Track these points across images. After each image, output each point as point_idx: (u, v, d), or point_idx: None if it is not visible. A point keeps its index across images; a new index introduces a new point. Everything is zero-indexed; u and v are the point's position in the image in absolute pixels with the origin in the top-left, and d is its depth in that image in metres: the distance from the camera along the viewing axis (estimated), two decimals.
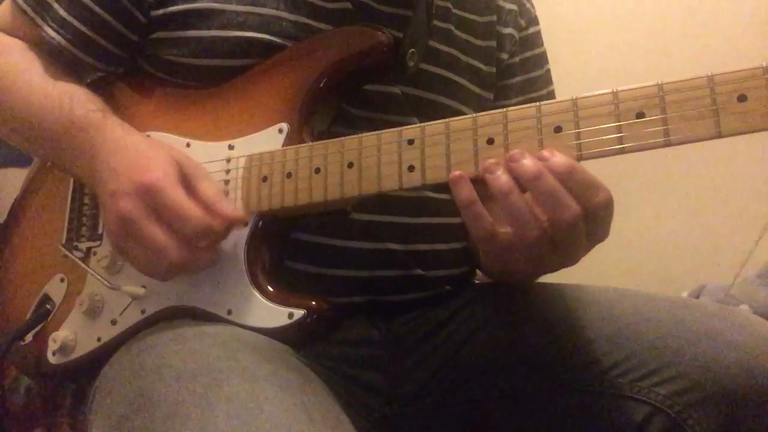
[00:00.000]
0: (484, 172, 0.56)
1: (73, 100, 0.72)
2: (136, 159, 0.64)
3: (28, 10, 0.75)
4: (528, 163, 0.55)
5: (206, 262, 0.65)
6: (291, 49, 0.72)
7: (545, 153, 0.55)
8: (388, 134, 0.62)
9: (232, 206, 0.66)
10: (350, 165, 0.63)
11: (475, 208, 0.57)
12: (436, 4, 0.80)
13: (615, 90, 0.54)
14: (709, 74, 0.52)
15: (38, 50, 0.76)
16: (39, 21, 0.75)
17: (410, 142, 0.61)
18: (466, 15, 0.85)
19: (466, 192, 0.57)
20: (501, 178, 0.56)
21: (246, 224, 0.67)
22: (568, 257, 0.60)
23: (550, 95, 0.93)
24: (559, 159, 0.55)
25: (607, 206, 0.57)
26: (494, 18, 0.87)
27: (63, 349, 0.72)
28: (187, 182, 0.64)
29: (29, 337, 0.76)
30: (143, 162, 0.64)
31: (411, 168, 0.60)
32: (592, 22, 1.98)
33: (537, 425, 0.73)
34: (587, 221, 0.56)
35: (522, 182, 0.55)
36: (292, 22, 0.73)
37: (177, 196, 0.62)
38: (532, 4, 0.95)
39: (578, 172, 0.55)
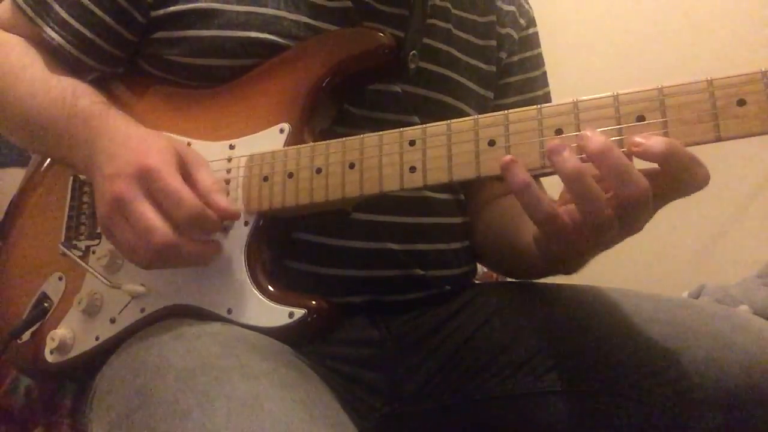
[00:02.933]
0: (549, 155, 0.54)
1: (76, 93, 0.72)
2: (137, 145, 0.64)
3: (28, 10, 0.75)
4: (596, 136, 0.53)
5: (193, 256, 0.63)
6: (292, 49, 0.72)
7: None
8: (389, 135, 0.62)
9: (228, 200, 0.65)
10: (352, 165, 0.63)
11: (532, 191, 0.54)
12: (434, 4, 0.81)
13: (616, 93, 0.55)
14: (709, 78, 0.52)
15: (39, 47, 0.76)
16: (39, 21, 0.75)
17: (412, 143, 0.61)
18: (466, 15, 0.85)
19: (521, 176, 0.54)
20: (570, 159, 0.53)
21: (246, 223, 0.67)
22: (632, 231, 0.57)
23: (547, 96, 0.93)
24: (594, 137, 0.53)
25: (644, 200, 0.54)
26: (494, 18, 0.88)
27: (61, 347, 0.72)
28: (185, 171, 0.64)
29: (26, 336, 0.76)
30: (143, 147, 0.64)
31: (412, 169, 0.60)
32: (592, 25, 1.98)
33: (537, 425, 0.73)
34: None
35: (589, 157, 0.53)
36: (292, 21, 0.73)
37: (173, 180, 0.61)
38: (530, 6, 0.95)
39: (614, 154, 0.52)
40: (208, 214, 0.62)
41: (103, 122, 0.69)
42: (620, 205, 0.53)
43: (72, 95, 0.72)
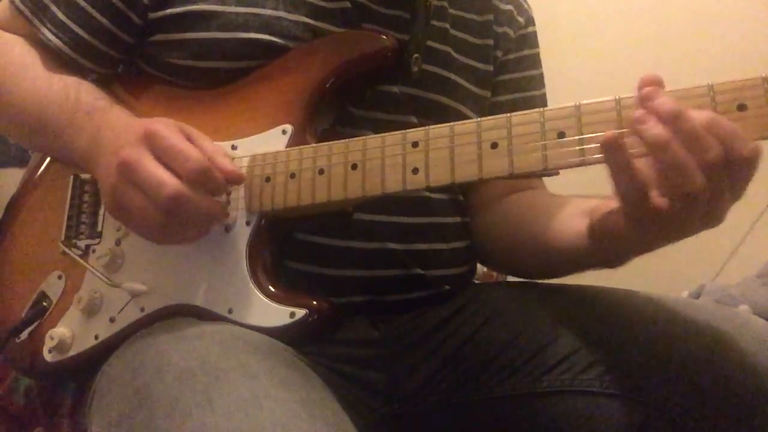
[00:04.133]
0: (635, 123, 0.52)
1: (79, 89, 0.73)
2: (140, 120, 0.66)
3: (26, 11, 0.75)
4: (666, 100, 0.51)
5: (204, 209, 0.62)
6: (295, 51, 0.72)
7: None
8: (392, 136, 0.62)
9: (232, 162, 0.65)
10: (354, 166, 0.63)
11: (630, 169, 0.52)
12: (432, 4, 0.80)
13: (618, 97, 0.55)
14: (710, 83, 0.52)
15: (38, 47, 0.77)
16: (36, 23, 0.75)
17: (415, 144, 0.61)
18: (463, 14, 0.85)
19: (623, 154, 0.52)
20: (656, 127, 0.51)
21: (248, 223, 0.67)
22: (712, 217, 0.55)
23: (543, 98, 0.93)
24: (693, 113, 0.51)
25: (753, 160, 0.51)
26: (491, 17, 0.87)
27: (59, 346, 0.72)
28: (189, 138, 0.64)
29: (25, 335, 0.76)
30: (145, 119, 0.65)
31: (415, 170, 0.60)
32: (593, 28, 1.98)
33: (537, 425, 0.73)
34: (731, 171, 0.51)
35: (666, 123, 0.51)
36: (292, 21, 0.73)
37: (178, 139, 0.62)
38: (528, 5, 0.95)
39: (720, 118, 0.51)
40: (215, 170, 0.62)
41: (106, 115, 0.69)
42: (705, 171, 0.51)
43: (75, 91, 0.72)
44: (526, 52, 0.91)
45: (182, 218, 0.62)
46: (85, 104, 0.71)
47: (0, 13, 0.79)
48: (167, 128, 0.63)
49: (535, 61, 0.93)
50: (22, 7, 0.75)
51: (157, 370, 0.57)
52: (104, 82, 0.79)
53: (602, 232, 0.62)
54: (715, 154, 0.51)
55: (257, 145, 0.69)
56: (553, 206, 0.77)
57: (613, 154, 0.53)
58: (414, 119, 0.77)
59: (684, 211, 0.53)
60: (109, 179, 0.63)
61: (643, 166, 0.53)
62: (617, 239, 0.61)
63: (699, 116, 0.51)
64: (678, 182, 0.52)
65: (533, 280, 0.83)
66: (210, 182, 0.62)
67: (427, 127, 0.61)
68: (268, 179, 0.67)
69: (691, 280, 1.64)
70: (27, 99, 0.74)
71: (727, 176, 0.52)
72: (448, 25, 0.83)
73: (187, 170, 0.61)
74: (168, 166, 0.61)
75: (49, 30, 0.75)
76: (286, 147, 0.68)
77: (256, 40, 0.72)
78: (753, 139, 0.51)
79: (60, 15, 0.74)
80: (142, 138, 0.62)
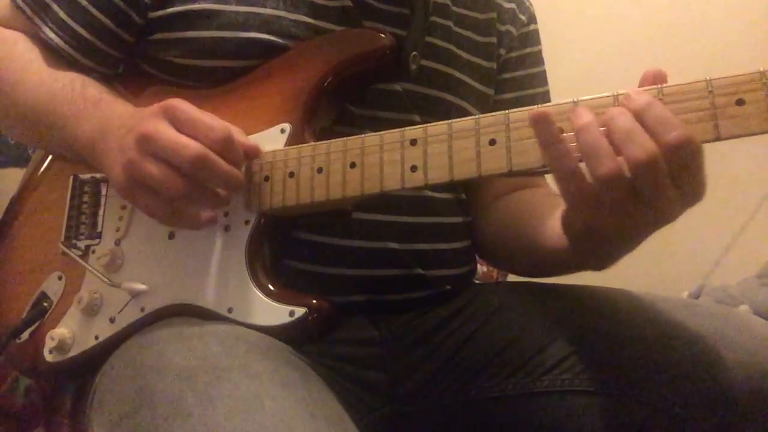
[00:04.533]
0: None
1: (85, 83, 0.73)
2: (136, 117, 0.65)
3: (27, 9, 0.75)
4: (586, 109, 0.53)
5: (226, 177, 0.62)
6: (293, 50, 0.72)
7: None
8: (390, 134, 0.62)
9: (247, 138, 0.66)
10: (353, 165, 0.63)
11: (560, 146, 0.54)
12: (434, 1, 0.81)
13: (615, 93, 0.55)
14: (708, 78, 0.52)
15: (40, 44, 0.77)
16: (37, 21, 0.75)
17: (413, 142, 0.61)
18: (466, 12, 0.85)
19: (551, 129, 0.54)
20: (580, 111, 0.54)
21: (247, 222, 0.67)
22: (658, 212, 0.54)
23: (545, 95, 0.93)
24: (635, 95, 0.52)
25: (686, 147, 0.51)
26: (494, 15, 0.87)
27: (60, 347, 0.72)
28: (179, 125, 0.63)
29: (26, 336, 0.76)
30: (138, 116, 0.65)
31: (414, 168, 0.60)
32: (592, 25, 1.98)
33: (537, 425, 0.73)
34: (669, 165, 0.52)
35: (601, 118, 0.53)
36: (292, 21, 0.73)
37: (197, 112, 0.62)
38: (530, 3, 0.95)
39: (656, 106, 0.52)
40: (235, 140, 0.62)
41: (113, 107, 0.70)
42: (630, 170, 0.52)
43: (81, 85, 0.73)
44: (528, 49, 0.92)
45: (204, 185, 0.62)
46: (91, 97, 0.71)
47: (0, 11, 0.79)
48: (156, 125, 0.62)
49: (537, 59, 0.93)
50: (22, 5, 0.76)
51: (158, 369, 0.57)
52: (105, 82, 0.79)
53: (568, 222, 0.62)
54: (638, 144, 0.51)
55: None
56: (546, 206, 0.77)
57: (543, 126, 0.54)
58: (417, 117, 0.77)
59: (606, 195, 0.53)
60: (125, 155, 0.62)
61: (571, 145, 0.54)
62: (576, 233, 0.62)
63: (636, 102, 0.52)
64: (592, 163, 0.53)
65: (533, 280, 0.83)
66: (232, 152, 0.62)
67: (425, 125, 0.61)
68: (267, 178, 0.67)
69: (691, 280, 1.64)
70: (33, 92, 0.74)
71: (662, 169, 0.52)
72: (451, 23, 0.83)
73: (210, 138, 0.61)
74: (166, 163, 0.61)
75: (50, 29, 0.75)
76: (285, 146, 0.68)
77: (256, 39, 0.72)
78: (752, 134, 0.51)
79: (61, 14, 0.74)
80: (159, 111, 0.62)
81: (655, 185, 0.52)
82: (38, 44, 0.77)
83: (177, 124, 0.61)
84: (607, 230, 0.57)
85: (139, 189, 0.62)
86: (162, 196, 0.62)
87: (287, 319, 0.63)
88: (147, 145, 0.61)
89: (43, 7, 0.75)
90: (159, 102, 0.63)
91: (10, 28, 0.79)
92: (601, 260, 0.66)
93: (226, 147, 0.61)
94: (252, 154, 0.66)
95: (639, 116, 0.52)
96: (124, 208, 0.74)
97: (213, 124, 0.61)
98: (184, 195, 0.61)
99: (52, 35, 0.75)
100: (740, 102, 0.51)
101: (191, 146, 0.60)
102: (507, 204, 0.86)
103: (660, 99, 0.53)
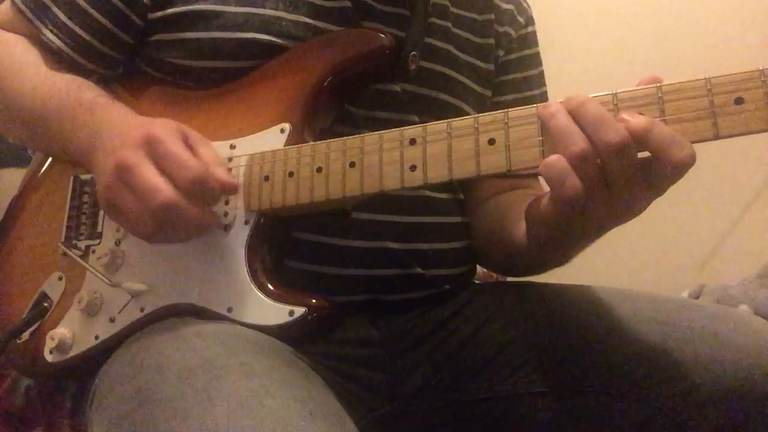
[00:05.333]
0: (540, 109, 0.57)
1: (81, 86, 0.73)
2: (140, 122, 0.66)
3: (27, 12, 0.76)
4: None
5: (194, 220, 0.62)
6: (293, 50, 0.72)
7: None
8: (389, 134, 0.62)
9: (228, 174, 0.65)
10: (352, 164, 0.63)
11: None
12: (433, 2, 0.81)
13: (614, 91, 0.55)
14: (707, 77, 0.53)
15: (40, 47, 0.77)
16: (38, 23, 0.75)
17: (412, 141, 0.61)
18: (465, 13, 0.85)
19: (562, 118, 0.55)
20: (548, 102, 0.57)
21: (247, 222, 0.67)
22: (624, 204, 0.56)
23: (544, 96, 0.93)
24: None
25: (622, 149, 0.53)
26: (492, 17, 0.88)
27: (60, 347, 0.72)
28: (188, 145, 0.64)
29: (26, 336, 0.76)
30: (146, 121, 0.65)
31: (413, 168, 0.60)
32: (591, 24, 1.98)
33: (536, 425, 0.73)
34: (603, 160, 0.54)
35: (569, 109, 0.55)
36: (291, 21, 0.73)
37: (178, 147, 0.62)
38: (528, 4, 0.95)
39: (592, 104, 0.54)
40: (211, 179, 0.62)
41: (107, 112, 0.69)
42: (599, 153, 0.53)
43: (77, 88, 0.73)
44: (526, 51, 0.92)
45: (172, 225, 0.62)
46: (87, 101, 0.71)
47: (2, 15, 0.80)
48: (168, 133, 0.63)
49: (535, 61, 0.93)
50: (23, 7, 0.76)
51: (158, 369, 0.57)
52: (105, 82, 0.79)
53: (531, 218, 0.64)
54: (610, 128, 0.53)
55: (256, 144, 0.69)
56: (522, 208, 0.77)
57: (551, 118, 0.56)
58: (416, 118, 0.78)
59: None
60: (104, 177, 0.63)
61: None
62: (545, 223, 0.62)
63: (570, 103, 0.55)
64: (564, 144, 0.54)
65: (533, 281, 0.83)
66: (205, 192, 0.62)
67: (424, 124, 0.61)
68: (266, 178, 0.67)
69: (691, 280, 1.64)
70: (29, 95, 0.74)
71: (631, 156, 0.53)
72: (449, 24, 0.83)
73: (182, 179, 0.60)
74: (165, 173, 0.61)
75: (50, 31, 0.75)
76: (285, 146, 0.68)
77: (255, 39, 0.72)
78: (751, 133, 0.51)
79: (61, 16, 0.75)
80: (142, 141, 0.62)
81: (623, 171, 0.53)
82: (38, 47, 0.77)
83: (156, 158, 0.61)
84: (576, 222, 0.58)
85: (113, 210, 0.64)
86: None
87: (287, 319, 0.63)
88: (123, 175, 0.61)
89: (43, 10, 0.75)
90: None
91: (11, 31, 0.79)
92: (561, 253, 0.69)
93: (199, 187, 0.61)
94: (229, 191, 0.65)
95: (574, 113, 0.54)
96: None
97: (189, 164, 0.61)
98: (155, 230, 0.62)
99: (52, 37, 0.75)
100: (739, 100, 0.51)
101: (160, 192, 0.60)
102: (493, 205, 0.86)
103: (659, 97, 0.53)
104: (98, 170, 0.65)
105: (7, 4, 0.79)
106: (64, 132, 0.71)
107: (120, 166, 0.61)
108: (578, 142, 0.54)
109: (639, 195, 0.55)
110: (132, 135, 0.63)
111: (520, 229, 0.72)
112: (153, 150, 0.61)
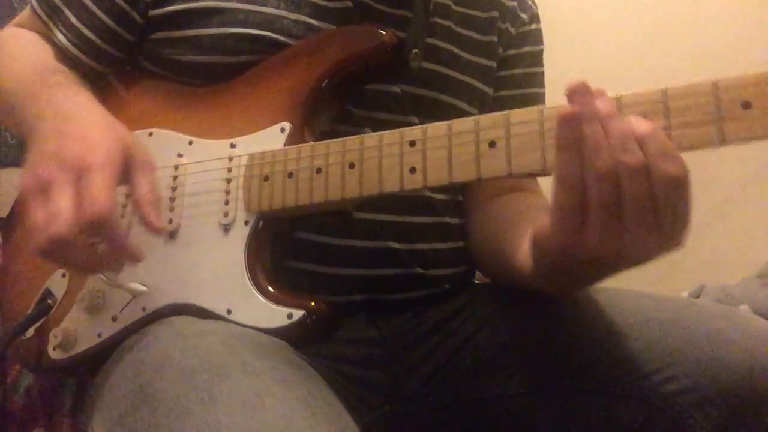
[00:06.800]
0: (569, 93, 0.52)
1: (56, 70, 0.75)
2: (90, 132, 0.63)
3: (42, 14, 0.79)
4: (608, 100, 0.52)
5: (77, 260, 0.61)
6: (293, 47, 0.72)
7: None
8: (389, 135, 0.62)
9: (155, 214, 0.63)
10: (351, 166, 0.63)
11: (576, 152, 0.51)
12: (434, 1, 0.80)
13: (618, 95, 0.53)
14: (714, 80, 0.51)
15: (51, 43, 0.79)
16: (51, 25, 0.78)
17: (412, 143, 0.60)
18: (468, 11, 0.84)
19: (576, 131, 0.51)
20: (608, 98, 0.52)
21: (246, 223, 0.67)
22: (634, 243, 0.52)
23: (541, 97, 0.92)
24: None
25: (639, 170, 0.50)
26: (496, 14, 0.87)
27: (64, 344, 0.72)
28: (128, 173, 0.63)
29: (31, 332, 0.76)
30: (93, 141, 0.62)
31: (413, 170, 0.60)
32: (594, 25, 1.97)
33: (537, 425, 0.73)
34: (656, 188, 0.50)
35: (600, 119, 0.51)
36: (292, 21, 0.73)
37: (101, 179, 0.59)
38: (533, 2, 0.94)
39: (621, 120, 0.51)
40: (114, 224, 0.60)
41: (69, 98, 0.69)
42: (620, 175, 0.50)
43: (52, 72, 0.74)
44: (527, 48, 0.90)
45: (59, 256, 0.61)
46: (56, 83, 0.71)
47: (23, 18, 0.83)
48: (104, 160, 0.60)
49: (536, 59, 0.92)
50: (39, 10, 0.79)
51: (159, 368, 0.57)
52: (107, 80, 0.80)
53: (537, 247, 0.60)
54: (633, 152, 0.50)
55: (256, 143, 0.69)
56: (525, 216, 0.75)
57: (568, 127, 0.52)
58: (416, 120, 0.77)
59: (595, 196, 0.51)
60: (30, 173, 0.62)
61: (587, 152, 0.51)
62: (546, 253, 0.59)
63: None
64: (593, 154, 0.50)
65: None
66: (104, 231, 0.60)
67: (424, 126, 0.60)
68: (266, 178, 0.66)
69: (691, 280, 1.64)
70: (9, 78, 0.76)
71: (648, 188, 0.50)
72: (452, 23, 0.82)
73: (86, 215, 0.58)
74: (78, 199, 0.59)
75: (62, 33, 0.78)
76: (284, 145, 0.67)
77: (257, 35, 0.72)
78: (758, 139, 0.49)
79: (72, 18, 0.77)
80: (73, 166, 0.60)
81: (639, 201, 0.50)
82: (50, 43, 0.79)
83: (78, 185, 0.60)
84: (581, 253, 0.54)
85: (23, 202, 0.64)
86: None
87: (285, 322, 0.63)
88: (43, 186, 0.60)
89: (56, 12, 0.77)
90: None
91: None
92: (561, 288, 0.66)
93: (97, 225, 0.59)
94: (154, 231, 0.63)
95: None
96: (124, 207, 0.74)
97: (98, 199, 0.58)
98: (44, 251, 0.60)
99: (61, 38, 0.77)
100: (746, 105, 0.49)
101: (59, 222, 0.58)
102: (492, 208, 0.84)
103: (664, 101, 0.52)
104: (32, 152, 0.64)
105: (27, 8, 0.82)
106: (24, 109, 0.71)
107: (42, 179, 0.60)
108: (607, 159, 0.50)
109: (649, 229, 0.51)
110: (70, 148, 0.61)
111: (522, 252, 0.68)
112: (79, 177, 0.60)
